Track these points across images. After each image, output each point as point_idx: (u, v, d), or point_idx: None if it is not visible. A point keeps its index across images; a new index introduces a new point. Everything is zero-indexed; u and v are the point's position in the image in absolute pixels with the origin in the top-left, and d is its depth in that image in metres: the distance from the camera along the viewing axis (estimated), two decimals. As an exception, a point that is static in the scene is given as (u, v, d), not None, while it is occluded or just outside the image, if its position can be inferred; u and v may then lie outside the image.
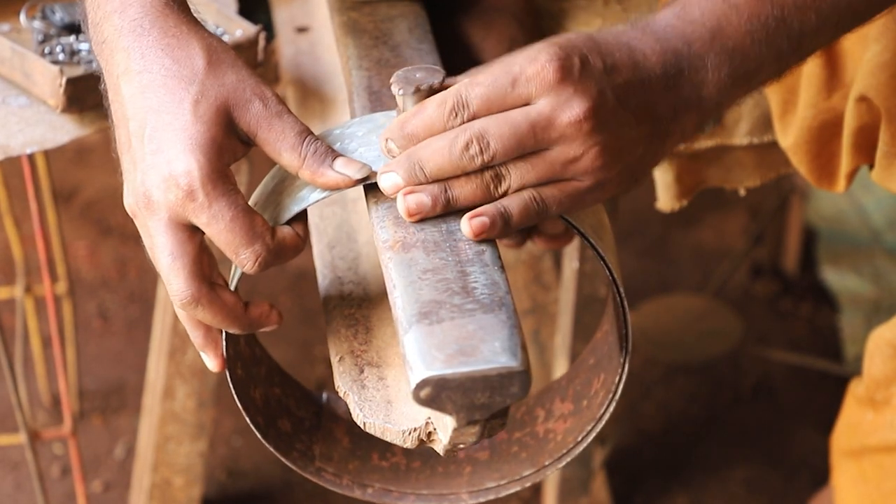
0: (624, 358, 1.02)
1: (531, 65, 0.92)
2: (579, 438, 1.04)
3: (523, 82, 0.92)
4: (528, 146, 0.92)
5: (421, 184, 0.93)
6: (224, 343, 0.99)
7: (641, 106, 0.94)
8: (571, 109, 0.92)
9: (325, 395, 1.11)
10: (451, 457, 1.09)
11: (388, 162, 0.94)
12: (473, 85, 0.93)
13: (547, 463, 1.06)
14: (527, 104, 0.92)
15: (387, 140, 0.94)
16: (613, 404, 1.03)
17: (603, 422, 1.03)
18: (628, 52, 0.94)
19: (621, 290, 0.98)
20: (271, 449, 1.04)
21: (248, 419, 1.03)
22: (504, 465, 1.08)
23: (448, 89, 0.94)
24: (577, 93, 0.92)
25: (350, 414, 1.07)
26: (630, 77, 0.94)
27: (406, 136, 0.93)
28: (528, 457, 1.07)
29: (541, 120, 0.92)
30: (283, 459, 1.05)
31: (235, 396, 1.02)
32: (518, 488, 1.07)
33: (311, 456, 1.07)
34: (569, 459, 1.05)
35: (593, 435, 1.03)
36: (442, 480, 1.08)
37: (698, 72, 0.96)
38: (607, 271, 0.98)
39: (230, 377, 1.01)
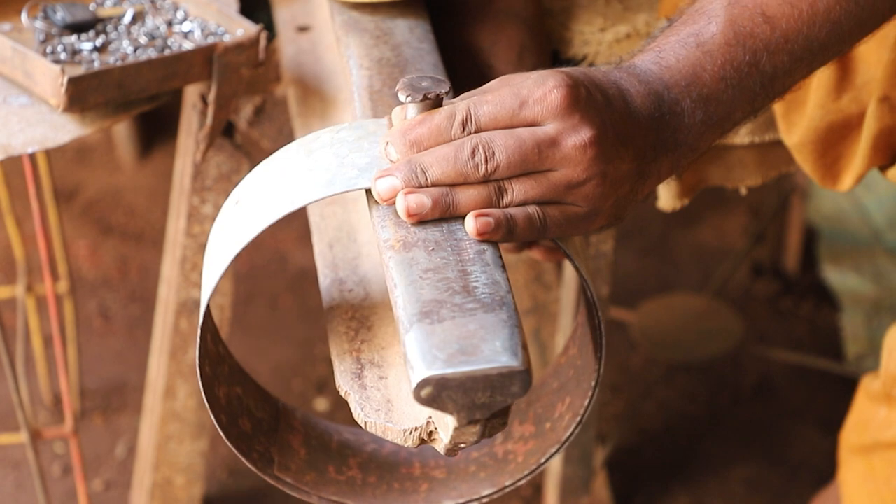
0: (596, 381, 1.02)
1: (539, 88, 0.93)
2: (542, 460, 1.05)
3: (531, 104, 0.93)
4: (532, 163, 0.93)
5: (421, 187, 0.93)
6: (198, 340, 0.99)
7: (631, 143, 0.96)
8: (577, 135, 0.93)
9: (280, 402, 1.11)
10: (407, 475, 1.09)
11: (387, 167, 0.94)
12: (482, 102, 0.94)
13: (507, 483, 1.06)
14: (533, 126, 0.93)
15: (387, 143, 0.95)
16: (580, 427, 1.03)
17: (567, 443, 1.04)
18: (618, 90, 0.97)
19: (600, 315, 0.99)
20: (232, 448, 1.04)
21: (212, 417, 1.03)
22: (462, 483, 1.08)
23: (458, 102, 0.94)
24: (583, 120, 0.93)
25: (306, 425, 1.07)
26: (623, 113, 0.96)
27: (409, 143, 0.94)
28: (487, 476, 1.07)
29: (546, 140, 0.93)
30: (243, 460, 1.05)
31: (203, 394, 1.02)
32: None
33: (270, 458, 1.07)
34: (530, 478, 1.06)
35: (556, 456, 1.04)
36: (398, 497, 1.08)
37: (676, 116, 0.98)
38: (588, 294, 0.98)
39: (199, 374, 1.01)
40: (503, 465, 1.08)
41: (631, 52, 1.01)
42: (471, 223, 0.92)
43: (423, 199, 0.93)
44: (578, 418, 1.03)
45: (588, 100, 0.94)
